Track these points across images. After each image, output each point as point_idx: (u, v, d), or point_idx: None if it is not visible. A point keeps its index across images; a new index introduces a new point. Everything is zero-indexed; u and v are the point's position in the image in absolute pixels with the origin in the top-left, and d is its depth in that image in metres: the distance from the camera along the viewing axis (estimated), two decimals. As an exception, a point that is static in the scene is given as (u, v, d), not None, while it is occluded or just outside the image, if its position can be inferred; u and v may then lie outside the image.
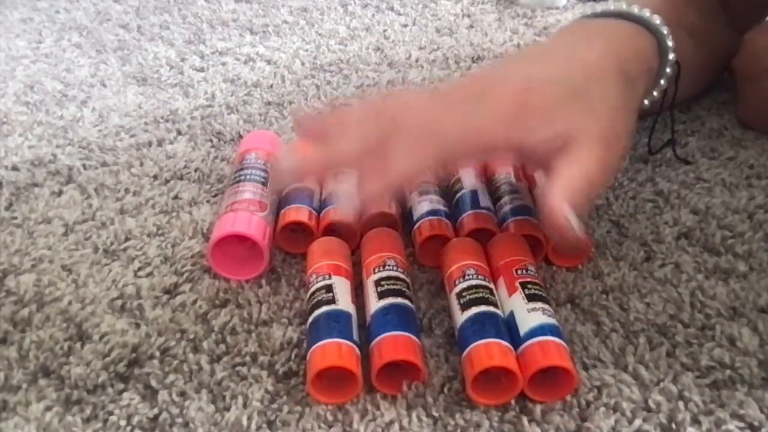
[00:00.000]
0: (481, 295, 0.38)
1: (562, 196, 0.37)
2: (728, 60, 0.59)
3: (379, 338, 0.37)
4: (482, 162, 0.50)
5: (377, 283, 0.40)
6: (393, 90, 0.41)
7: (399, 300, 0.38)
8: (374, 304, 0.39)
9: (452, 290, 0.40)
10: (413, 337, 0.37)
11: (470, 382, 0.35)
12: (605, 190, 0.45)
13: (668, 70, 0.47)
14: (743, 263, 0.44)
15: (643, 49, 0.45)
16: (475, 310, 0.37)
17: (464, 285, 0.39)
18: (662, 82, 0.47)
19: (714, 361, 0.37)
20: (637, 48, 0.44)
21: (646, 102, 0.46)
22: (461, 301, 0.38)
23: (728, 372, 0.37)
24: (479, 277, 0.40)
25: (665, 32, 0.46)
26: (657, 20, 0.46)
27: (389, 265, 0.41)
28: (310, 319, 0.38)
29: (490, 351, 0.35)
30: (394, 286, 0.39)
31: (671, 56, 0.46)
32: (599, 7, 0.48)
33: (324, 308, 0.38)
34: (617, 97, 0.41)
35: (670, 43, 0.46)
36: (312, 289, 0.39)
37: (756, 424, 0.34)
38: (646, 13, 0.46)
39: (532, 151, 0.39)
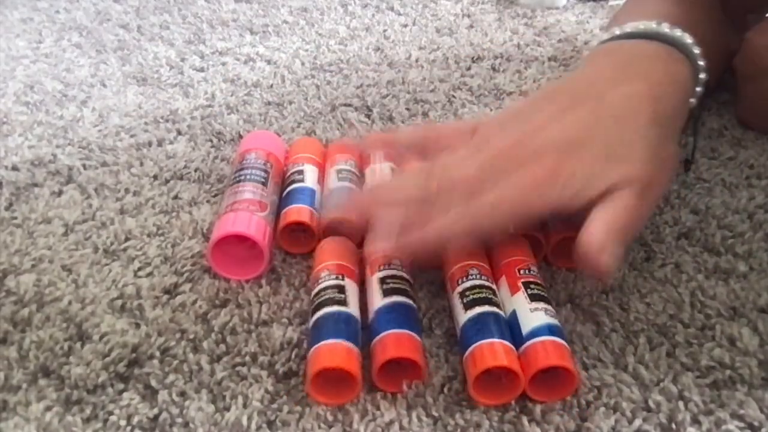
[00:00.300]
0: (484, 295, 0.38)
1: (597, 245, 0.37)
2: (729, 61, 0.59)
3: (382, 335, 0.37)
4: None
5: (382, 280, 0.40)
6: (440, 153, 0.42)
7: (403, 299, 0.39)
8: (378, 301, 0.39)
9: (455, 290, 0.40)
10: (416, 335, 0.37)
11: (472, 381, 0.35)
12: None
13: (699, 89, 0.46)
14: (743, 263, 0.44)
15: (677, 76, 0.44)
16: (478, 309, 0.37)
17: (467, 285, 0.39)
18: (693, 100, 0.46)
19: (714, 361, 0.37)
20: (672, 78, 0.43)
21: None
22: (464, 301, 0.38)
23: (728, 372, 0.37)
24: (482, 277, 0.40)
25: (698, 52, 0.45)
26: (689, 39, 0.45)
27: (395, 264, 0.41)
28: (318, 314, 0.38)
29: (493, 351, 0.35)
30: (400, 285, 0.39)
31: (702, 76, 0.46)
32: (628, 27, 0.47)
33: (336, 308, 0.38)
34: (654, 140, 0.40)
35: (701, 63, 0.45)
36: (322, 285, 0.39)
37: (756, 424, 0.34)
38: (678, 32, 0.45)
39: (574, 212, 0.39)
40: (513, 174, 0.39)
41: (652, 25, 0.46)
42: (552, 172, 0.38)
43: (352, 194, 0.46)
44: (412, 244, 0.39)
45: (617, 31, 0.47)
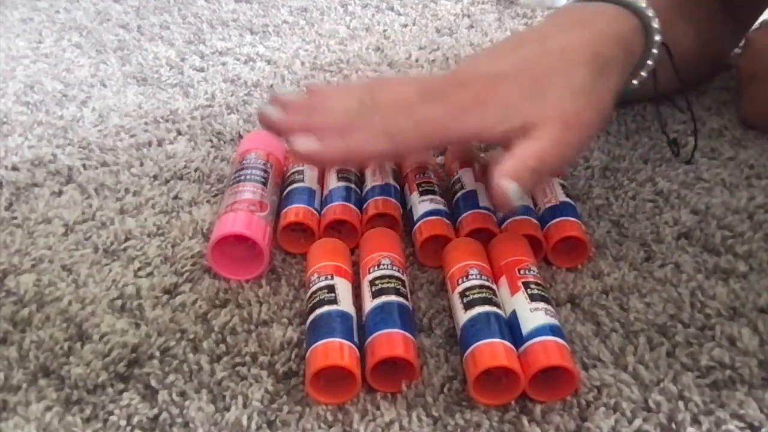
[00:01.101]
0: (484, 295, 0.38)
1: (505, 173, 0.39)
2: (726, 52, 0.59)
3: (372, 336, 0.37)
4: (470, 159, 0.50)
5: (371, 282, 0.40)
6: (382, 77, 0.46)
7: (392, 298, 0.39)
8: (369, 303, 0.39)
9: (455, 289, 0.40)
10: (407, 333, 0.37)
11: (472, 381, 0.35)
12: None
13: (655, 51, 0.47)
14: (743, 263, 0.44)
15: (623, 30, 0.45)
16: (478, 309, 0.37)
17: (467, 284, 0.39)
18: (650, 62, 0.47)
19: (714, 361, 0.37)
20: (617, 30, 0.45)
21: (634, 82, 0.48)
22: (464, 301, 0.38)
23: (728, 372, 0.37)
24: (482, 277, 0.40)
25: (650, 14, 0.46)
26: (642, 3, 0.46)
27: (384, 264, 0.41)
28: (311, 317, 0.38)
29: (493, 351, 0.35)
30: (388, 285, 0.39)
31: (657, 37, 0.46)
32: None
33: (326, 308, 0.38)
34: (583, 80, 0.42)
35: (655, 25, 0.46)
36: (313, 288, 0.39)
37: (756, 424, 0.34)
38: None
39: (494, 141, 0.42)
40: (441, 98, 0.41)
41: None
42: (474, 100, 0.41)
43: (291, 95, 0.47)
44: (334, 150, 0.41)
45: None
